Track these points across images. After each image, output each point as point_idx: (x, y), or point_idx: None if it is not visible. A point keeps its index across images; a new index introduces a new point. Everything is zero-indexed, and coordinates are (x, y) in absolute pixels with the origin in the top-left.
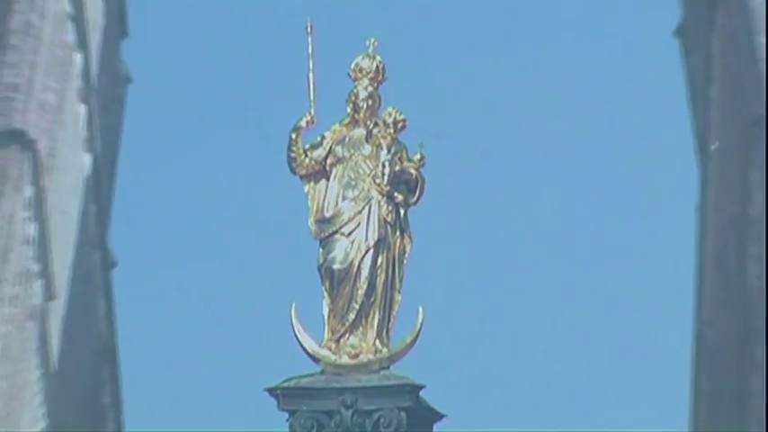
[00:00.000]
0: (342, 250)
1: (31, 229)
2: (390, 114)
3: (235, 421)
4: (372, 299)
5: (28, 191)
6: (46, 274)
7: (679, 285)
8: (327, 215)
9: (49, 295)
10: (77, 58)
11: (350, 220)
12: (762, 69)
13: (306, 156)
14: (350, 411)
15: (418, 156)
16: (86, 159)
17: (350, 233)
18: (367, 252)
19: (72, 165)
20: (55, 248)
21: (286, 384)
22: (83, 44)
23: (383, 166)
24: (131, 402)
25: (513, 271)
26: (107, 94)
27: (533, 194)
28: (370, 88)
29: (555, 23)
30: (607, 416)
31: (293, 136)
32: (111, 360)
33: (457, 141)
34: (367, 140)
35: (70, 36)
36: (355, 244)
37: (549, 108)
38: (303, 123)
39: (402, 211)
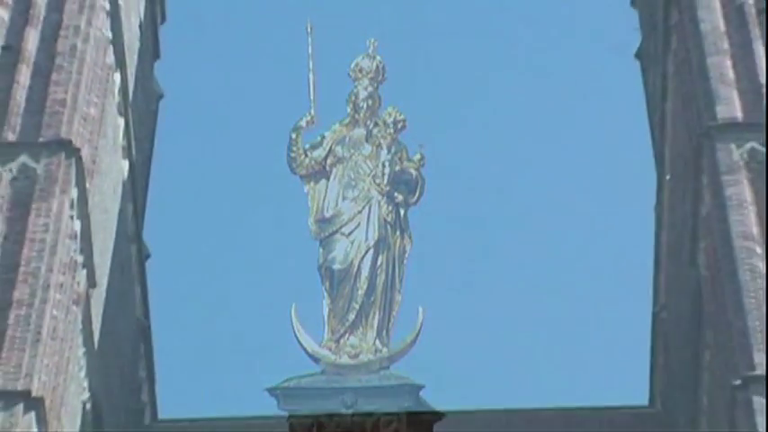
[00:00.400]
0: (342, 250)
1: (76, 226)
2: (390, 114)
3: (234, 421)
4: (372, 299)
5: (73, 192)
6: (89, 264)
7: (639, 273)
8: (327, 215)
9: (91, 283)
10: (116, 77)
11: (350, 220)
12: (709, 87)
13: (306, 156)
14: (350, 411)
15: (418, 156)
16: (124, 165)
17: (350, 233)
18: (367, 252)
19: (111, 169)
20: (96, 242)
21: (286, 384)
22: (121, 65)
23: (383, 166)
24: (163, 376)
25: (513, 270)
26: (142, 108)
27: (532, 195)
28: (370, 88)
29: (543, 40)
30: (578, 392)
31: (293, 136)
32: (145, 339)
33: (457, 141)
34: (367, 140)
35: (110, 58)
36: (355, 244)
37: (546, 109)
38: (303, 123)
39: (402, 211)
